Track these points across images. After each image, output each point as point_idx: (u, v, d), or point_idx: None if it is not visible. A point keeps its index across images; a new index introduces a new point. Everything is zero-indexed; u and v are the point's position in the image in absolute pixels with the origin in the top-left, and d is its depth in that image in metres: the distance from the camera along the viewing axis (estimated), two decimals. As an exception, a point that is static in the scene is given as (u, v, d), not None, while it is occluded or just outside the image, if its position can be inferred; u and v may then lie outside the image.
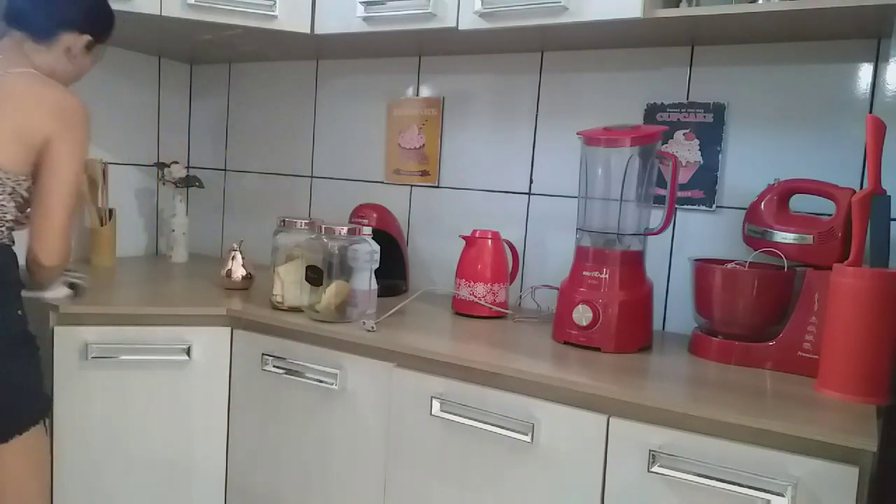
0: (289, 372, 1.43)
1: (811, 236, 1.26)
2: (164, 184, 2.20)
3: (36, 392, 1.28)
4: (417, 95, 1.93)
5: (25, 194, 1.26)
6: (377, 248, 1.49)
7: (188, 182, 2.16)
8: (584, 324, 1.34)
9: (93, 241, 1.97)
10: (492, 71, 1.81)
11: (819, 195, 1.30)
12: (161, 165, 2.18)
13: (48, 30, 1.31)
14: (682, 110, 1.56)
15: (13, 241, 1.28)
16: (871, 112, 1.39)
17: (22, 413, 1.25)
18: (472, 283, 1.59)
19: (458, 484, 1.26)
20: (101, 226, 1.97)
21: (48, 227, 1.25)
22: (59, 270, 1.35)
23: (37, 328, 1.29)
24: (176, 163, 2.15)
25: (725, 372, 1.25)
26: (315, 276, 1.45)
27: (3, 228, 1.25)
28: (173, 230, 2.13)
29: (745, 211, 1.38)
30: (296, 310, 1.50)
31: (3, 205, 1.23)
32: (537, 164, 1.76)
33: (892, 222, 1.20)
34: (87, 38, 1.35)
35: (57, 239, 1.27)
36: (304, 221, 1.55)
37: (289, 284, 1.51)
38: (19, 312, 1.25)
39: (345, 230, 1.45)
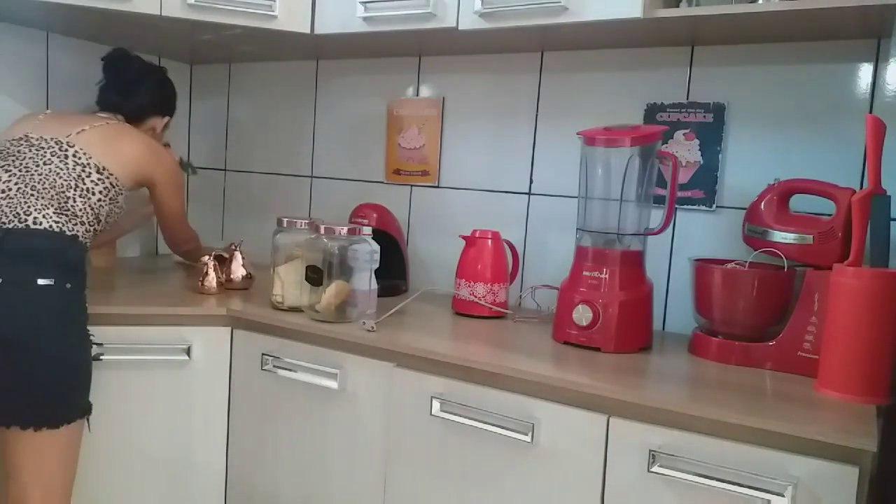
0: (289, 372, 1.43)
1: (811, 236, 1.26)
2: None
3: (90, 381, 1.34)
4: (417, 95, 1.93)
5: (118, 207, 1.50)
6: (377, 248, 1.49)
7: (182, 168, 2.06)
8: (584, 324, 1.34)
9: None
10: (492, 71, 1.81)
11: (819, 195, 1.30)
12: None
13: (137, 116, 1.70)
14: (682, 110, 1.56)
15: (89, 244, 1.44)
16: (871, 112, 1.39)
17: (76, 402, 1.31)
18: (472, 283, 1.59)
19: (458, 484, 1.26)
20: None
21: (173, 231, 1.76)
22: (193, 249, 1.85)
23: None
24: (167, 144, 2.06)
25: (725, 372, 1.25)
26: (315, 276, 1.45)
27: (90, 228, 1.42)
28: None
29: (745, 211, 1.38)
30: (296, 310, 1.50)
31: (103, 205, 1.44)
32: (537, 164, 1.76)
33: (892, 222, 1.20)
34: (167, 119, 1.79)
35: (182, 238, 1.81)
36: (304, 221, 1.55)
37: (289, 284, 1.51)
38: (86, 304, 1.35)
39: (345, 230, 1.45)
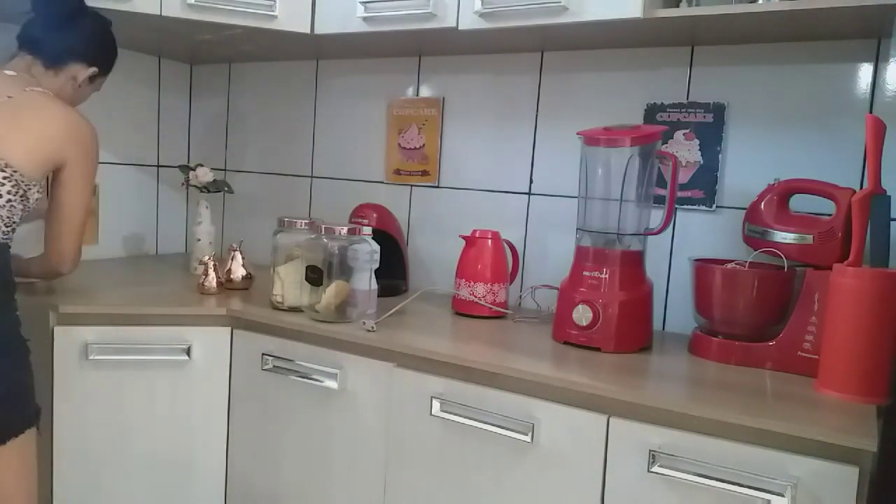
0: (289, 372, 1.43)
1: (811, 236, 1.26)
2: (185, 187, 2.00)
3: (31, 394, 1.27)
4: (417, 95, 1.93)
5: (31, 202, 1.29)
6: (377, 248, 1.49)
7: (217, 187, 1.99)
8: (584, 324, 1.34)
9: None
10: (492, 71, 1.81)
11: (819, 195, 1.30)
12: (185, 168, 2.00)
13: (58, 58, 1.41)
14: (682, 110, 1.56)
15: (11, 243, 1.29)
16: (871, 112, 1.39)
17: (19, 414, 1.24)
18: (472, 283, 1.59)
19: (458, 484, 1.26)
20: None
21: (67, 239, 1.39)
22: (72, 261, 1.44)
23: (36, 328, 1.29)
24: (201, 165, 1.96)
25: (725, 372, 1.25)
26: (315, 276, 1.45)
27: (8, 230, 1.26)
28: (199, 239, 1.95)
29: (745, 211, 1.38)
30: (296, 310, 1.50)
31: (13, 206, 1.25)
32: (537, 164, 1.76)
33: (892, 222, 1.20)
34: (92, 69, 1.46)
35: (74, 250, 1.41)
36: (304, 221, 1.55)
37: (289, 284, 1.51)
38: (17, 313, 1.26)
39: (345, 230, 1.45)
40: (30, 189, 1.27)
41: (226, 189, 2.04)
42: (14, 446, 1.22)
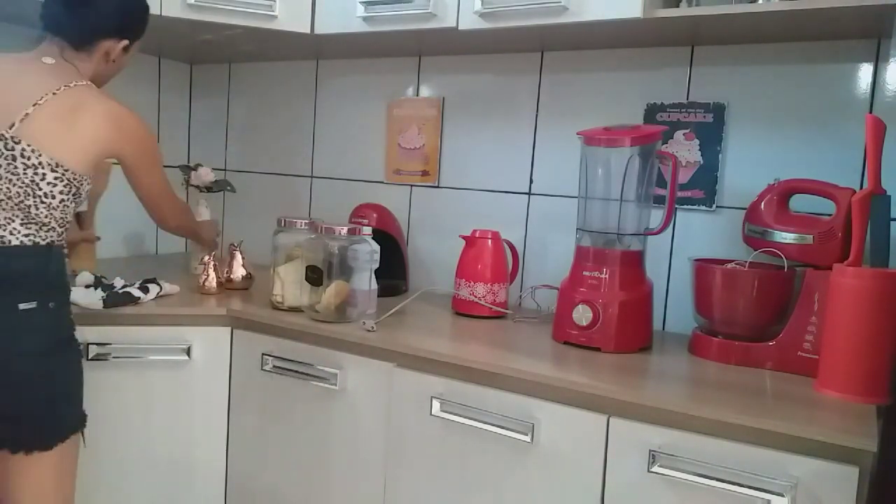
0: (289, 372, 1.43)
1: (811, 236, 1.26)
2: (185, 187, 2.00)
3: (80, 395, 1.26)
4: (417, 95, 1.93)
5: (83, 196, 1.29)
6: (377, 248, 1.49)
7: (220, 186, 2.01)
8: (584, 324, 1.34)
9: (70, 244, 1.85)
10: (492, 71, 1.81)
11: (819, 195, 1.30)
12: (186, 168, 2.02)
13: (86, 38, 1.33)
14: (682, 110, 1.56)
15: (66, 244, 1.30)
16: (871, 112, 1.39)
17: (67, 419, 1.24)
18: (472, 283, 1.59)
19: (458, 484, 1.26)
20: (81, 230, 1.84)
21: (159, 209, 1.44)
22: (186, 222, 1.56)
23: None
24: (201, 165, 1.98)
25: (725, 372, 1.25)
26: (315, 276, 1.45)
27: (62, 230, 1.26)
28: None
29: (745, 211, 1.38)
30: (296, 310, 1.50)
31: (66, 206, 1.24)
32: (537, 164, 1.76)
33: (892, 222, 1.20)
34: (124, 42, 1.37)
35: (172, 214, 1.48)
36: (304, 221, 1.55)
37: (289, 284, 1.51)
38: (71, 316, 1.27)
39: (345, 230, 1.45)
40: (81, 185, 1.26)
41: (228, 188, 2.04)
42: (57, 451, 1.21)
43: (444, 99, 1.88)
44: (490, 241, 1.61)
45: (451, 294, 1.64)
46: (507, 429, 1.18)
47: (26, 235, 1.20)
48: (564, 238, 1.70)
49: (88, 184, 1.28)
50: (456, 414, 1.23)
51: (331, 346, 1.39)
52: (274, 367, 1.45)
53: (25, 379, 1.17)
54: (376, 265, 1.49)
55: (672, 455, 1.06)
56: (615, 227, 1.39)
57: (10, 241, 1.19)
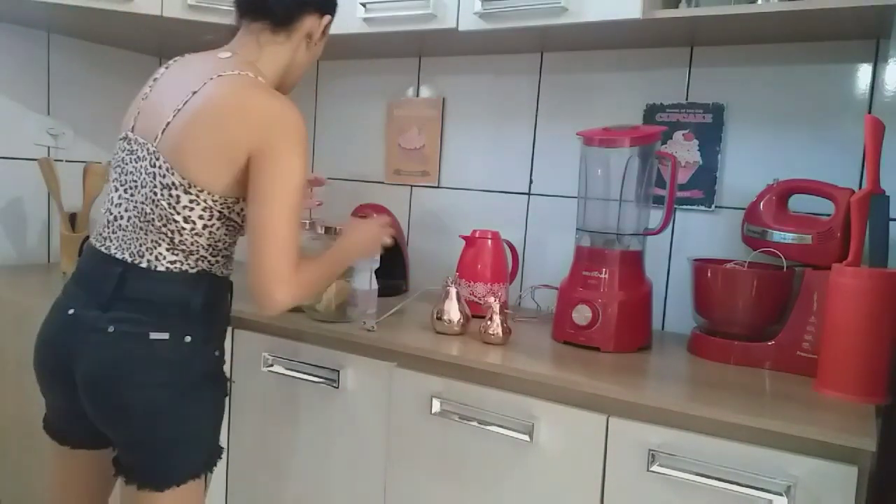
0: (289, 372, 1.43)
1: (810, 236, 1.27)
2: None
3: (207, 439, 1.15)
4: (418, 96, 1.93)
5: (239, 219, 1.12)
6: (377, 248, 1.49)
7: None
8: (584, 323, 1.35)
9: (63, 246, 1.85)
10: (492, 71, 1.81)
11: (818, 195, 1.31)
12: None
13: (291, 14, 1.17)
14: (682, 111, 1.56)
15: (230, 271, 1.19)
16: (870, 112, 1.39)
17: (185, 464, 1.11)
18: (472, 283, 1.59)
19: (458, 483, 1.26)
20: (73, 232, 1.84)
21: (259, 256, 1.04)
22: (290, 305, 1.09)
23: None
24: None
25: (725, 372, 1.25)
26: (315, 276, 1.45)
27: (219, 258, 1.14)
28: None
29: (744, 211, 1.38)
30: (296, 310, 1.50)
31: (212, 231, 1.09)
32: (537, 165, 1.76)
33: (890, 222, 1.20)
34: (327, 18, 1.23)
35: (275, 272, 1.05)
36: (304, 221, 1.55)
37: (289, 284, 1.51)
38: (216, 353, 1.16)
39: (345, 230, 1.45)
40: (229, 208, 1.09)
41: None
42: (170, 496, 1.10)
43: (444, 99, 1.88)
44: (490, 241, 1.61)
45: (451, 294, 1.64)
46: (507, 428, 1.19)
47: (173, 263, 1.09)
48: (564, 238, 1.70)
49: (236, 203, 1.10)
50: (456, 414, 1.24)
51: (331, 346, 1.40)
52: (274, 366, 1.45)
53: (139, 412, 1.07)
54: (377, 265, 1.49)
55: (671, 455, 1.06)
56: (615, 228, 1.40)
57: (155, 266, 1.08)
